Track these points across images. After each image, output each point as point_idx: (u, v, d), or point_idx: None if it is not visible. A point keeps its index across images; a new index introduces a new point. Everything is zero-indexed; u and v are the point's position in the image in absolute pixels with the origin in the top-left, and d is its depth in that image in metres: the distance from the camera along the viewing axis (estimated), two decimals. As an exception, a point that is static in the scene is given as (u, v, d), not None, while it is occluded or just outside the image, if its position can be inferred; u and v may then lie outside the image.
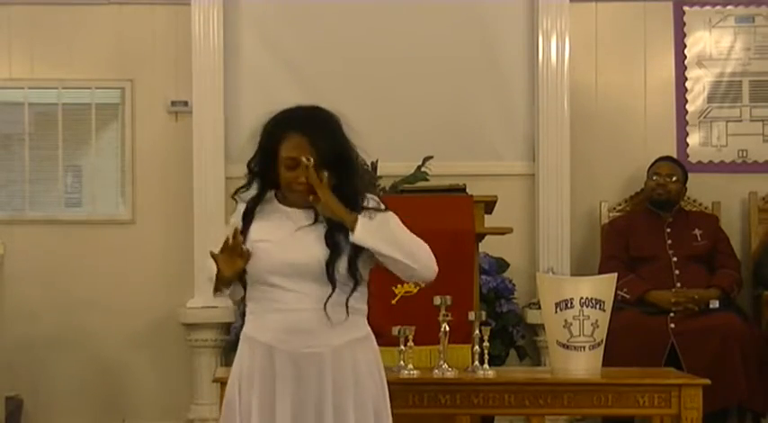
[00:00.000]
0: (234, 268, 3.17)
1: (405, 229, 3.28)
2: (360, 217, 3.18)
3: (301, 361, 3.18)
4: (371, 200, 3.27)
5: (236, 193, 3.34)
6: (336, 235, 3.19)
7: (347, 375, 3.19)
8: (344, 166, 3.23)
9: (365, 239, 3.17)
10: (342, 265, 3.17)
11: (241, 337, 3.30)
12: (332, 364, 3.18)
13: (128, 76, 6.50)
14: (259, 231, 3.24)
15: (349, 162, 3.24)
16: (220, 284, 3.22)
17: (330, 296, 3.16)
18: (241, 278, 3.24)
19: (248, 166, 3.30)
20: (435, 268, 3.26)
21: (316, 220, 3.23)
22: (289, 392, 3.18)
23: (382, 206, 3.28)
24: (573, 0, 6.40)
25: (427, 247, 3.26)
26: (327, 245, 3.18)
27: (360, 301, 3.26)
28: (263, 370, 3.20)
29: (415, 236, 3.27)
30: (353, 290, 3.20)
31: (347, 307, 3.19)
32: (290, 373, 3.18)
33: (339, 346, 3.20)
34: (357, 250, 3.19)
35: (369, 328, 3.30)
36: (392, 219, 3.27)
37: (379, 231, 3.20)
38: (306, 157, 3.18)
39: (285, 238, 3.21)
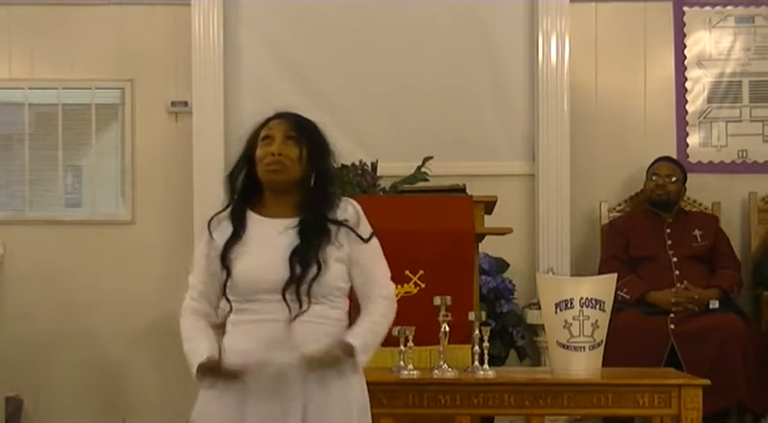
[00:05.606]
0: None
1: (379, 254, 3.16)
2: (353, 344, 3.02)
3: (281, 372, 3.07)
4: (349, 209, 3.14)
5: (213, 217, 3.27)
6: (303, 249, 3.06)
7: (330, 385, 3.07)
8: (323, 166, 3.14)
9: (368, 355, 3.08)
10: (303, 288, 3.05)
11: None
12: (312, 376, 3.06)
13: (128, 77, 6.50)
14: (236, 248, 3.17)
15: (327, 164, 3.15)
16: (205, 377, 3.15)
17: (300, 312, 3.05)
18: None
19: (229, 177, 3.23)
20: (394, 308, 3.15)
21: (297, 224, 3.11)
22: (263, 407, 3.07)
23: (362, 224, 3.13)
24: (573, 0, 6.41)
25: (388, 293, 3.14)
26: (290, 266, 3.05)
27: (338, 311, 3.14)
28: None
29: (382, 272, 3.15)
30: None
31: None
32: (267, 385, 3.07)
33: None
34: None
35: None
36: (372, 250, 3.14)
37: (373, 340, 3.08)
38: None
39: (261, 255, 3.12)
